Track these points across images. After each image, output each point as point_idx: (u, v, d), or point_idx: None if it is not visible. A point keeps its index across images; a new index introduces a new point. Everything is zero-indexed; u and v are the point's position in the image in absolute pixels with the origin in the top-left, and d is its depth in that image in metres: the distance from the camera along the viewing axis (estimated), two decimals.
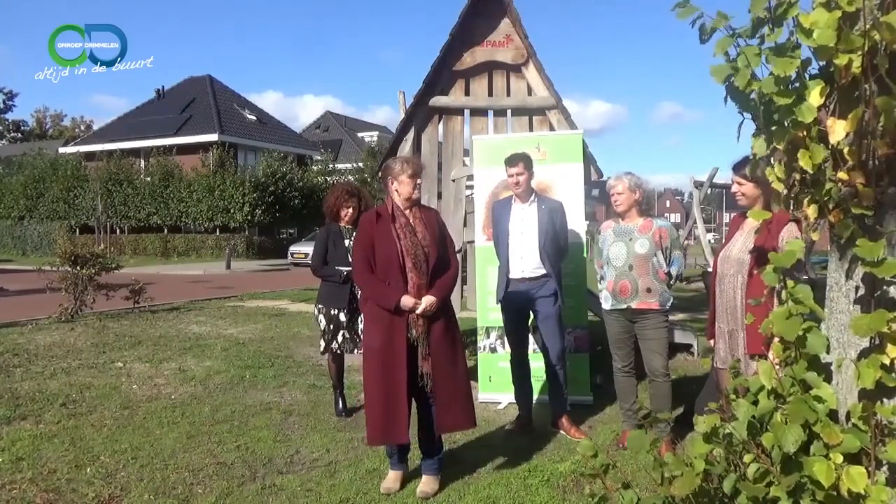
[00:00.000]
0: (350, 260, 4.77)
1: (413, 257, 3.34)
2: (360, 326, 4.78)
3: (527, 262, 4.41)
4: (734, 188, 3.39)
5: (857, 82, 1.61)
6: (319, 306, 4.85)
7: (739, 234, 3.37)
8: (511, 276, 4.46)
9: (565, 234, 4.54)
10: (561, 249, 4.50)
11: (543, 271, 4.38)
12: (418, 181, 3.46)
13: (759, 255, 3.11)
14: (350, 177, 35.71)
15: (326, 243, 4.86)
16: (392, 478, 3.51)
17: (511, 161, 4.42)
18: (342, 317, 4.76)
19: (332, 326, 4.78)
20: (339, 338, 4.79)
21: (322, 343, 4.83)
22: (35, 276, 10.08)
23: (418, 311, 3.32)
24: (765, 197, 3.26)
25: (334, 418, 4.75)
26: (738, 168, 3.34)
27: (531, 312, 4.51)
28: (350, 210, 4.84)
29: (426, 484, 3.44)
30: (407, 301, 3.29)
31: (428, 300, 3.31)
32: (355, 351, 4.84)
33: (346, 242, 4.81)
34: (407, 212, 3.44)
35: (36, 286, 10.48)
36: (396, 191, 3.43)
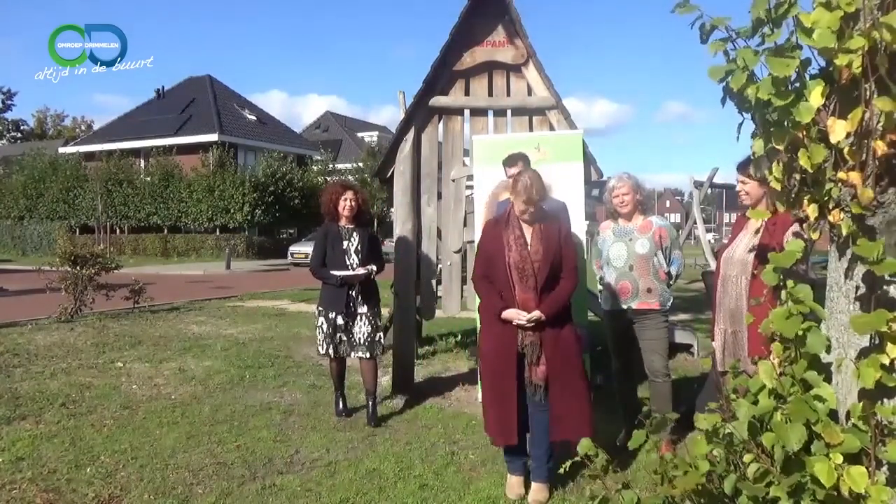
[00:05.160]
0: (347, 262, 4.65)
1: (520, 271, 3.27)
2: (357, 329, 4.68)
3: None
4: (738, 187, 3.38)
5: (857, 82, 1.61)
6: (320, 308, 4.75)
7: (743, 234, 3.34)
8: None
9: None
10: None
11: None
12: (529, 208, 3.27)
13: (761, 256, 3.09)
14: (350, 177, 35.74)
15: (325, 244, 4.74)
16: (516, 483, 3.45)
17: (509, 161, 4.41)
18: (339, 321, 4.64)
19: (330, 330, 4.67)
20: (337, 340, 4.67)
21: (323, 346, 4.72)
22: (35, 276, 10.09)
23: (521, 324, 3.26)
24: (768, 196, 3.24)
25: (334, 418, 4.75)
26: (742, 167, 3.31)
27: None
28: (347, 203, 4.69)
29: (537, 492, 3.35)
30: (509, 314, 3.26)
31: (534, 315, 3.23)
32: (352, 354, 4.74)
33: (345, 244, 4.69)
34: (525, 222, 3.34)
35: (36, 286, 10.49)
36: (513, 202, 3.34)
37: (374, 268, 4.79)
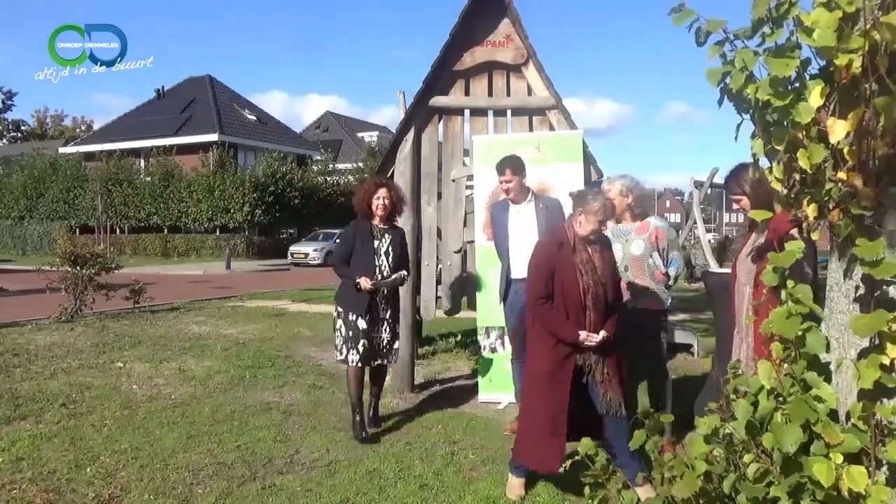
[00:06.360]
0: (377, 263, 4.36)
1: (594, 296, 3.29)
2: (377, 336, 4.42)
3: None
4: (734, 206, 3.37)
5: (857, 82, 1.61)
6: (339, 310, 4.43)
7: (753, 237, 3.33)
8: (513, 276, 4.46)
9: None
10: None
11: None
12: (601, 228, 3.37)
13: (762, 256, 3.08)
14: (350, 177, 35.77)
15: (354, 241, 4.42)
16: (517, 484, 3.45)
17: (499, 169, 4.40)
18: (361, 323, 4.32)
19: (350, 333, 4.34)
20: (360, 347, 4.32)
21: (342, 351, 4.38)
22: (35, 276, 10.08)
23: (590, 345, 3.28)
24: (758, 205, 3.20)
25: (334, 418, 4.74)
26: (728, 187, 3.30)
27: None
28: (380, 202, 4.39)
29: (649, 492, 3.21)
30: (583, 337, 3.27)
31: (602, 336, 3.28)
32: (373, 363, 4.47)
33: (376, 243, 4.40)
34: (589, 246, 3.36)
35: (36, 286, 10.48)
36: (580, 223, 3.32)
37: (405, 273, 4.55)
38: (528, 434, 3.39)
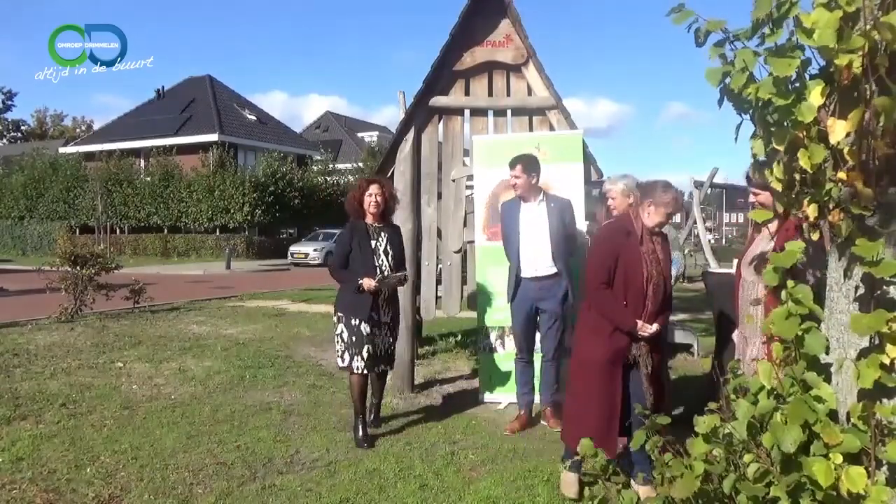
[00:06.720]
0: (377, 263, 4.23)
1: (655, 286, 3.29)
2: (380, 341, 4.29)
3: (540, 262, 4.44)
4: (751, 199, 3.34)
5: (858, 82, 1.62)
6: (339, 315, 4.27)
7: (759, 238, 3.32)
8: (523, 275, 4.47)
9: (575, 232, 4.60)
10: (572, 247, 4.55)
11: (555, 269, 4.41)
12: (666, 222, 3.39)
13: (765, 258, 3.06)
14: (350, 177, 35.79)
15: (351, 243, 4.26)
16: (574, 480, 3.39)
17: (511, 163, 4.46)
18: (364, 328, 4.18)
19: (354, 339, 4.19)
20: (364, 353, 4.19)
21: (346, 357, 4.23)
22: (35, 276, 10.08)
23: (644, 336, 3.28)
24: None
25: (334, 418, 4.74)
26: (751, 181, 3.26)
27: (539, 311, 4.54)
28: (372, 199, 4.25)
29: (650, 492, 3.21)
30: (640, 326, 3.26)
31: (656, 328, 3.28)
32: (377, 368, 4.34)
33: (373, 243, 4.25)
34: (653, 237, 3.36)
35: (36, 286, 10.48)
36: (648, 214, 3.31)
37: (406, 273, 4.45)
38: (581, 421, 3.35)
